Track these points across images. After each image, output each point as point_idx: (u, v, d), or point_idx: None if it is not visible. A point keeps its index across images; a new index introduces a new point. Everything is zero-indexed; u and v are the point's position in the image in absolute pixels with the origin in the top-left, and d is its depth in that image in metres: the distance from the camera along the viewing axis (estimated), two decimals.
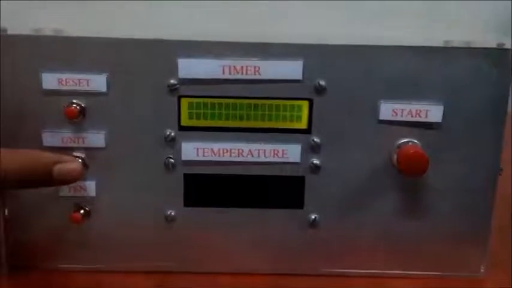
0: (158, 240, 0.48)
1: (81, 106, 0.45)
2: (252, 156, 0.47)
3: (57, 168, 0.42)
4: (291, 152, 0.47)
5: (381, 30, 0.50)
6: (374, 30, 0.50)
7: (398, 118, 0.46)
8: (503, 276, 0.49)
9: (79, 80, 0.45)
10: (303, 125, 0.46)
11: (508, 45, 0.44)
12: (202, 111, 0.46)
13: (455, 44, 0.44)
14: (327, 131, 0.46)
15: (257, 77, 0.45)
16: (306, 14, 0.58)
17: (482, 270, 0.49)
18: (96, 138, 0.46)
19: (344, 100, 0.45)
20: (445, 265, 0.49)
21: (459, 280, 0.49)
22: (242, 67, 0.45)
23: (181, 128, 0.46)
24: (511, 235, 0.55)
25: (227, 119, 0.46)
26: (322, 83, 0.45)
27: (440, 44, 0.44)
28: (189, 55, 0.44)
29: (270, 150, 0.46)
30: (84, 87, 0.45)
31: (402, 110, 0.46)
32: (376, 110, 0.46)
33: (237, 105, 0.46)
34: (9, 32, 0.44)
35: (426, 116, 0.46)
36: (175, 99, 0.45)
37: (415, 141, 0.46)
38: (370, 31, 0.49)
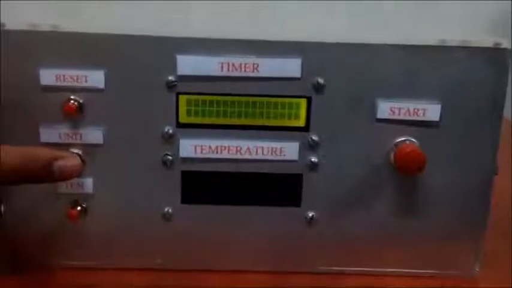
0: (155, 237, 0.48)
1: (79, 102, 0.45)
2: (250, 153, 0.47)
3: (57, 164, 0.42)
4: (288, 150, 0.47)
5: (379, 28, 0.50)
6: (372, 29, 0.50)
7: (396, 117, 0.46)
8: (498, 276, 0.50)
9: (77, 76, 0.45)
10: (301, 122, 0.46)
11: (504, 45, 0.45)
12: (200, 108, 0.46)
13: (453, 43, 0.45)
14: (325, 129, 0.46)
15: (255, 74, 0.45)
16: (305, 13, 0.58)
17: (476, 270, 0.50)
18: (94, 135, 0.46)
19: (342, 98, 0.46)
20: (440, 263, 0.50)
21: (453, 279, 0.50)
22: (240, 64, 0.45)
23: (179, 125, 0.46)
24: (511, 235, 0.55)
25: (225, 116, 0.46)
26: (321, 81, 0.45)
27: (437, 43, 0.45)
28: (187, 52, 0.44)
29: (268, 147, 0.46)
30: (82, 84, 0.45)
31: (400, 108, 0.46)
32: (374, 109, 0.46)
33: (235, 103, 0.46)
34: (6, 28, 0.44)
35: (423, 115, 0.46)
36: (174, 96, 0.45)
37: (413, 139, 0.46)
38: (369, 30, 0.49)
